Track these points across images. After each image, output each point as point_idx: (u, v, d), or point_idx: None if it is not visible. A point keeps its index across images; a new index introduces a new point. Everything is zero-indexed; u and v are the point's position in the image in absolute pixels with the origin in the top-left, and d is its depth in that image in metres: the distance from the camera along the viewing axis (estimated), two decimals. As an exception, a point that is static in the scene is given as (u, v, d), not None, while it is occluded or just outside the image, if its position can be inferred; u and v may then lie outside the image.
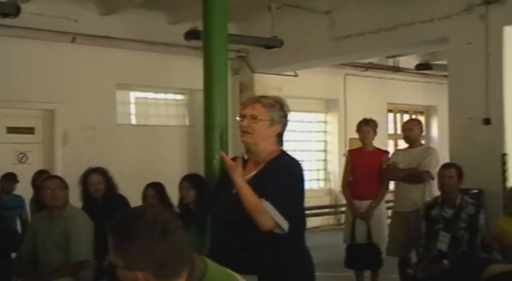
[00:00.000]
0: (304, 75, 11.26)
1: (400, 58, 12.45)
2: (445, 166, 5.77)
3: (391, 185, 6.61)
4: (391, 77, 12.99)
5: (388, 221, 6.70)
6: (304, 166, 3.26)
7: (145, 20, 9.52)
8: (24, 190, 7.34)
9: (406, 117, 13.43)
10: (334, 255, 7.23)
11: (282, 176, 2.95)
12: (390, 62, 12.61)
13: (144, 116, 10.63)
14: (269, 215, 2.84)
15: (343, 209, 8.55)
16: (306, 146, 12.57)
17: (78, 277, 4.62)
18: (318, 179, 13.03)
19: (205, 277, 1.88)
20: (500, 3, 6.99)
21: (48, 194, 4.71)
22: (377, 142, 6.74)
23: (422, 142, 7.11)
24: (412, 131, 6.42)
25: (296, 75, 11.27)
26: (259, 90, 10.08)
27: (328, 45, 9.20)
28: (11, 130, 8.94)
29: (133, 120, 10.55)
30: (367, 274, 6.59)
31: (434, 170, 5.99)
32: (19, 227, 7.46)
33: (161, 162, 9.99)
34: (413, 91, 13.59)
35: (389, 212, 6.73)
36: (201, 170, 3.77)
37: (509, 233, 5.22)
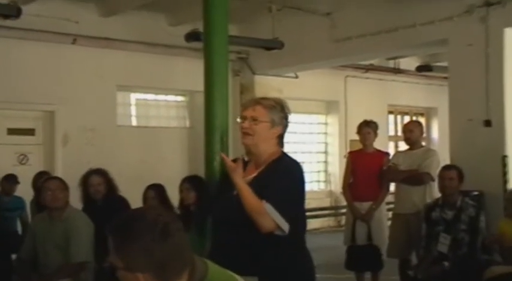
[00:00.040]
0: (305, 76, 11.26)
1: (401, 60, 12.45)
2: (446, 168, 5.77)
3: (392, 186, 6.61)
4: (392, 78, 12.99)
5: (389, 223, 6.69)
6: (305, 167, 3.25)
7: (146, 22, 9.53)
8: (24, 191, 7.34)
9: (407, 119, 13.42)
10: (335, 257, 7.22)
11: (283, 177, 2.95)
12: (391, 64, 12.61)
13: (145, 118, 10.63)
14: (270, 217, 2.84)
15: (344, 210, 8.54)
16: (306, 148, 12.56)
17: (78, 279, 4.62)
18: (319, 181, 13.01)
19: (205, 278, 1.88)
20: (501, 5, 7.00)
21: (49, 195, 4.71)
22: (377, 144, 6.75)
23: (423, 143, 7.11)
24: (412, 133, 6.42)
25: (296, 77, 11.28)
26: (259, 92, 10.10)
27: (329, 46, 9.21)
28: (12, 131, 8.94)
29: (134, 122, 10.55)
30: (368, 275, 6.58)
31: (435, 172, 5.99)
32: (19, 229, 7.46)
33: (162, 163, 9.99)
34: (413, 93, 13.58)
35: (390, 214, 6.73)
36: (201, 172, 3.76)
37: (510, 235, 5.22)
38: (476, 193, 6.69)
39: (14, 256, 5.63)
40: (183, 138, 10.73)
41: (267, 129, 3.03)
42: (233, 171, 3.00)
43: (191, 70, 8.72)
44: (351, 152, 7.13)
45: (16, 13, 7.47)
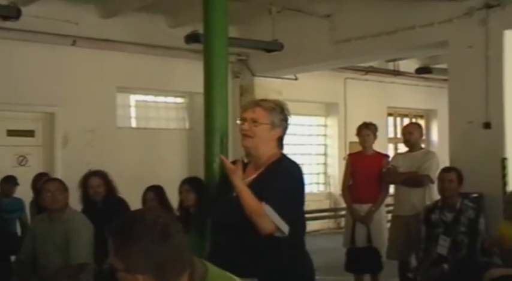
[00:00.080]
0: (305, 78, 11.27)
1: (400, 62, 12.47)
2: (445, 170, 5.77)
3: (391, 188, 6.61)
4: (391, 80, 13.00)
5: (388, 225, 6.69)
6: (304, 169, 3.25)
7: (146, 23, 9.53)
8: (24, 192, 7.34)
9: (406, 121, 13.40)
10: (334, 259, 7.22)
11: (282, 179, 2.95)
12: (390, 66, 12.63)
13: (144, 119, 10.63)
14: (269, 219, 2.84)
15: (343, 212, 8.54)
16: (306, 150, 12.57)
17: (77, 280, 4.61)
18: (318, 183, 13.02)
19: (205, 280, 1.88)
20: (501, 7, 7.01)
21: (48, 196, 4.71)
22: (377, 146, 6.74)
23: (422, 145, 7.12)
24: (412, 135, 6.42)
25: (296, 79, 11.28)
26: (259, 94, 10.09)
27: (329, 48, 9.21)
28: (11, 133, 8.94)
29: (134, 124, 10.55)
30: (367, 277, 6.57)
31: (434, 174, 5.99)
32: (19, 230, 7.46)
33: (161, 165, 9.99)
34: (413, 95, 13.59)
35: (389, 215, 6.72)
36: (201, 174, 3.76)
37: (509, 238, 5.21)
38: (475, 195, 6.70)
39: (13, 258, 5.62)
40: (183, 140, 10.73)
41: (266, 131, 3.03)
42: (232, 173, 3.00)
43: (191, 72, 8.71)
44: (350, 154, 7.13)
45: (16, 14, 7.47)
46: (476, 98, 7.18)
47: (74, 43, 8.99)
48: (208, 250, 3.23)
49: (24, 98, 8.65)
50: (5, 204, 7.32)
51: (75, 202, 5.40)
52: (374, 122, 6.72)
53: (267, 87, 10.61)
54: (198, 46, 6.61)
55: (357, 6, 8.77)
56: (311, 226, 10.62)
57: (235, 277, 2.02)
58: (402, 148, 7.48)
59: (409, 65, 12.59)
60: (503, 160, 6.95)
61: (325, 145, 13.12)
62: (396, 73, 12.75)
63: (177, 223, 1.84)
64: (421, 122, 13.74)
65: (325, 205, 12.50)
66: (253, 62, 10.75)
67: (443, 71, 10.50)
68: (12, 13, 7.46)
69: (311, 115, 12.73)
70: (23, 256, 4.89)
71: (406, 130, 6.59)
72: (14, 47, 8.53)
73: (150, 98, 10.74)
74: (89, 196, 5.70)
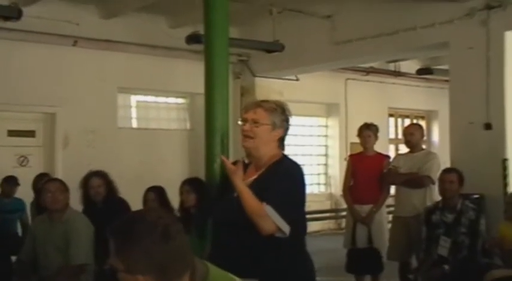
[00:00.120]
0: (305, 79, 11.27)
1: (401, 63, 12.47)
2: (446, 171, 5.77)
3: (392, 189, 6.60)
4: (392, 81, 13.00)
5: (389, 225, 6.69)
6: (305, 170, 3.25)
7: (147, 24, 9.53)
8: (24, 193, 7.34)
9: (407, 122, 13.42)
10: (335, 259, 7.22)
11: (283, 180, 2.95)
12: (391, 67, 12.62)
13: (145, 120, 10.63)
14: (270, 219, 2.84)
15: (344, 213, 8.54)
16: (306, 151, 12.57)
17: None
18: (319, 184, 13.02)
19: (206, 280, 1.88)
20: (502, 8, 7.01)
21: (49, 197, 4.71)
22: (378, 147, 6.74)
23: (423, 146, 7.11)
24: (413, 136, 6.42)
25: (297, 80, 11.28)
26: (260, 95, 10.09)
27: (329, 49, 9.21)
28: (12, 133, 8.94)
29: (134, 124, 10.55)
30: (368, 278, 6.58)
31: (435, 175, 5.99)
32: (19, 231, 7.46)
33: (162, 166, 9.99)
34: (414, 96, 13.59)
35: (390, 216, 6.72)
36: (201, 174, 3.76)
37: (510, 238, 5.21)
38: (476, 196, 6.70)
39: (14, 258, 5.62)
40: (184, 140, 10.73)
41: (267, 132, 3.03)
42: (233, 173, 2.99)
43: (192, 72, 8.71)
44: (351, 155, 7.12)
45: (17, 15, 7.47)
46: (477, 99, 7.18)
47: (74, 43, 8.99)
48: (209, 250, 3.22)
49: (25, 99, 8.66)
50: (6, 204, 7.32)
51: (75, 202, 5.40)
52: (375, 122, 6.72)
53: (268, 88, 10.62)
54: (199, 47, 6.63)
55: (358, 7, 8.77)
56: (312, 226, 10.61)
57: (236, 278, 2.02)
58: (403, 149, 7.48)
59: (410, 66, 12.59)
60: (504, 160, 6.95)
61: (326, 146, 13.11)
62: (397, 74, 12.75)
63: (178, 223, 1.84)
64: (422, 123, 13.75)
65: (326, 205, 12.50)
66: (254, 62, 10.75)
67: (444, 72, 10.50)
68: (13, 13, 7.46)
69: (312, 116, 12.72)
70: (24, 256, 4.89)
71: (407, 131, 6.59)
72: (15, 47, 8.54)
73: (150, 98, 10.74)
74: (89, 196, 5.70)
